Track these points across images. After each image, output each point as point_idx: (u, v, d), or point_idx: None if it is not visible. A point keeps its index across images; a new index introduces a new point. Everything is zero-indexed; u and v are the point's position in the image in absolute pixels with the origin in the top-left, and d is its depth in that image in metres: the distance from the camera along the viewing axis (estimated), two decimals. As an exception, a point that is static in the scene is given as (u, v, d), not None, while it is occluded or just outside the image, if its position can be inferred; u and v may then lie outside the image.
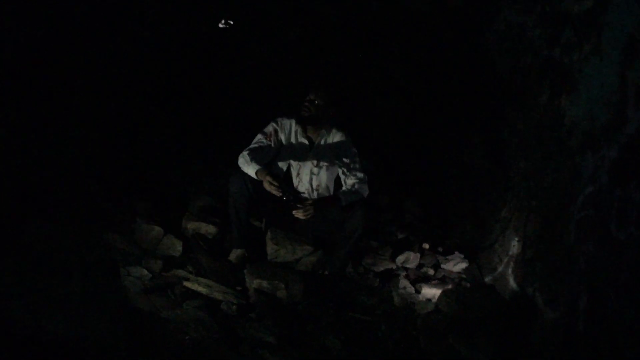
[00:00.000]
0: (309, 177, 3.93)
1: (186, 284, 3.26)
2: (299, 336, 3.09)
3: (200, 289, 3.24)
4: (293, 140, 3.92)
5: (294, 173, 3.97)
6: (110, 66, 4.43)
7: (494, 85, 4.42)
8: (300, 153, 3.92)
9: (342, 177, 3.95)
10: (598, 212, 3.03)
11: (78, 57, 4.10)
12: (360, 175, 3.87)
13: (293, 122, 3.92)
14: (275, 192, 3.48)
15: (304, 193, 3.97)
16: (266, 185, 3.49)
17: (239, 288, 3.46)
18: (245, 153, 3.66)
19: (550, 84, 3.70)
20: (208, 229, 3.89)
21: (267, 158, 3.79)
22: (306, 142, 3.94)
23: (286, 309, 3.36)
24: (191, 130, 5.27)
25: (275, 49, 6.27)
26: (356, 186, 3.82)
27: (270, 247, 3.87)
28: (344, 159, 3.91)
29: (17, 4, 3.47)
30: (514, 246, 3.83)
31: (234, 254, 3.73)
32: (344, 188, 3.90)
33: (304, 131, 3.93)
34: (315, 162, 3.91)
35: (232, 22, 6.87)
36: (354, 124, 5.79)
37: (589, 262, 3.04)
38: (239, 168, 3.65)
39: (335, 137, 3.94)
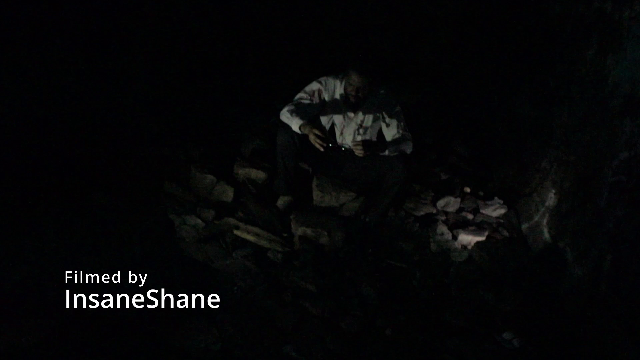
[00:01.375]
0: (352, 136, 4.05)
1: (236, 232, 3.57)
2: (337, 284, 3.38)
3: (249, 237, 3.54)
4: (337, 100, 3.96)
5: (337, 131, 4.09)
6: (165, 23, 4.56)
7: (545, 33, 4.37)
8: (345, 113, 4.00)
9: (387, 134, 4.01)
10: (630, 178, 3.12)
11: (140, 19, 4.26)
12: (404, 133, 3.95)
13: (338, 83, 3.90)
14: (319, 146, 3.59)
15: (343, 141, 4.11)
16: (311, 138, 3.60)
17: (285, 234, 3.74)
18: (286, 109, 3.78)
19: (598, 39, 3.67)
20: (258, 174, 4.14)
21: (309, 115, 3.84)
22: (352, 113, 3.99)
23: (328, 256, 3.63)
24: (243, 71, 5.40)
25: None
26: (401, 144, 3.90)
27: (316, 194, 4.11)
28: (388, 119, 3.96)
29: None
30: (551, 198, 3.94)
31: (282, 200, 3.99)
32: (390, 140, 3.97)
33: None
34: (359, 121, 3.99)
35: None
36: (403, 60, 5.85)
37: (616, 225, 3.17)
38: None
39: (380, 97, 3.95)
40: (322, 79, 3.94)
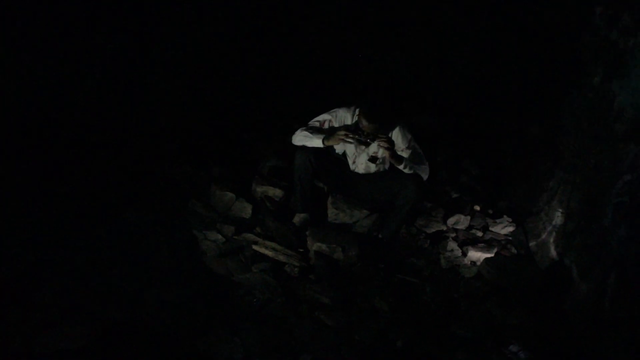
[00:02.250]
0: (364, 165, 4.19)
1: (255, 247, 3.74)
2: (351, 297, 3.54)
3: (267, 252, 3.72)
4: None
5: (349, 160, 4.22)
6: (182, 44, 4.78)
7: (556, 59, 4.53)
8: (356, 147, 4.09)
9: (404, 162, 4.02)
10: (633, 200, 3.27)
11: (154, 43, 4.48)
12: (420, 159, 4.05)
13: (348, 116, 4.03)
14: (351, 139, 3.78)
15: (364, 172, 4.24)
16: (341, 136, 3.78)
17: (301, 250, 3.92)
18: (301, 132, 3.96)
19: (604, 66, 3.82)
20: (275, 192, 4.32)
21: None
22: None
23: (342, 270, 3.80)
24: (261, 94, 5.61)
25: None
26: (419, 165, 4.02)
27: (331, 211, 4.29)
28: (405, 150, 4.03)
29: None
30: (558, 217, 4.08)
31: (298, 217, 4.16)
32: (405, 160, 4.01)
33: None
34: (371, 152, 4.09)
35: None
36: (416, 81, 6.03)
37: (620, 244, 3.31)
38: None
39: (393, 130, 4.01)
40: (333, 112, 4.06)
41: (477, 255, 4.19)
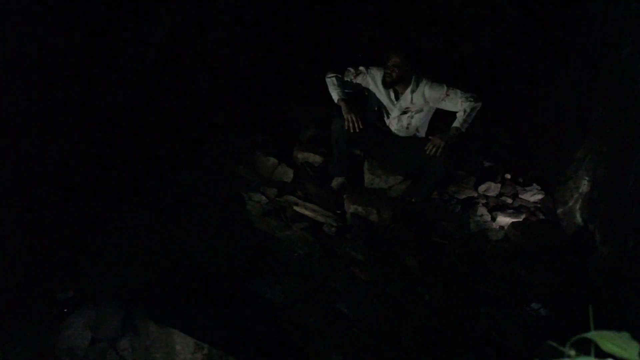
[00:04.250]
0: (397, 120, 4.41)
1: (295, 208, 4.05)
2: (384, 256, 3.82)
3: (306, 212, 4.02)
4: (380, 89, 4.32)
5: (384, 115, 4.46)
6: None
7: (588, 31, 4.66)
8: (387, 102, 4.35)
9: (454, 109, 4.21)
10: (655, 168, 3.44)
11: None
12: (468, 97, 4.16)
13: (378, 74, 4.26)
14: (347, 125, 4.09)
15: (398, 130, 4.49)
16: (345, 114, 4.11)
17: (338, 212, 4.20)
18: (333, 76, 4.21)
19: (633, 39, 3.96)
20: (315, 158, 4.61)
21: (349, 90, 4.27)
22: (392, 94, 4.33)
23: (376, 231, 4.08)
24: (302, 64, 5.85)
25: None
26: (467, 108, 4.12)
27: (367, 176, 4.56)
28: (445, 100, 4.20)
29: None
30: (584, 185, 4.26)
31: (336, 182, 4.44)
32: (458, 116, 4.18)
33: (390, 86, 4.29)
34: (403, 107, 4.33)
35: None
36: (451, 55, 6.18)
37: (639, 210, 3.49)
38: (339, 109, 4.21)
39: (422, 86, 4.23)
40: (368, 67, 4.34)
41: (505, 220, 4.40)
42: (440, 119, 4.51)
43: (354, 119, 4.07)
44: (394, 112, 4.39)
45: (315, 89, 5.64)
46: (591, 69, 4.50)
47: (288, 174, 4.43)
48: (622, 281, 3.52)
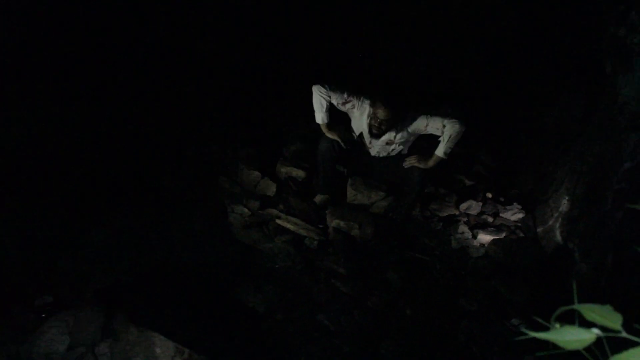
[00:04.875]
0: (379, 147, 4.37)
1: (278, 221, 4.05)
2: (365, 270, 3.82)
3: (289, 226, 4.01)
4: (365, 119, 4.19)
5: (366, 140, 4.39)
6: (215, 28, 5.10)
7: (568, 53, 4.76)
8: (369, 137, 4.28)
9: (438, 134, 4.15)
10: (631, 186, 3.50)
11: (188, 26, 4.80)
12: (444, 120, 4.07)
13: (367, 106, 4.10)
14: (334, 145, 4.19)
15: (379, 153, 4.45)
16: (332, 136, 4.20)
17: (320, 226, 4.21)
18: (322, 95, 4.10)
19: (612, 61, 4.05)
20: (298, 173, 4.62)
21: (333, 112, 4.22)
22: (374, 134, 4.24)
23: (358, 246, 4.08)
24: (285, 81, 5.90)
25: None
26: (450, 133, 4.07)
27: (349, 192, 4.57)
28: (429, 128, 4.13)
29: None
30: (564, 204, 4.31)
31: (319, 197, 4.45)
32: (441, 141, 4.15)
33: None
34: (387, 139, 4.28)
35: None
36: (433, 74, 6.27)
37: (617, 226, 3.54)
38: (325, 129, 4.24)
39: (404, 124, 4.16)
40: (358, 97, 4.15)
41: (486, 238, 4.43)
42: (424, 139, 4.52)
43: (338, 140, 4.15)
44: (377, 144, 4.36)
45: (300, 104, 5.71)
46: (572, 90, 4.59)
47: (271, 188, 4.44)
48: (601, 297, 3.55)
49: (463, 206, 4.80)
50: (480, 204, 4.82)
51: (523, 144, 5.48)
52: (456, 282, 3.94)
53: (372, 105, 4.02)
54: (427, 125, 4.12)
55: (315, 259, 3.80)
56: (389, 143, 4.32)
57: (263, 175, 4.46)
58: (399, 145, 4.36)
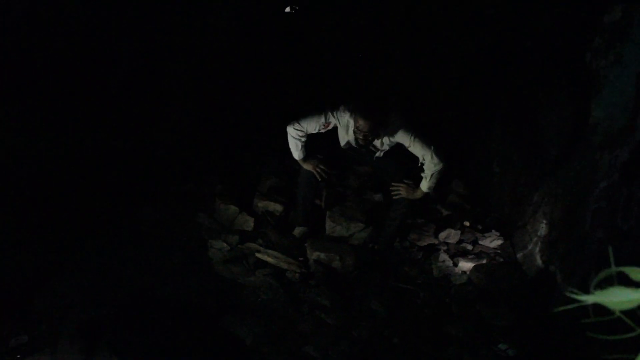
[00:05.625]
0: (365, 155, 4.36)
1: (258, 255, 3.97)
2: (349, 301, 3.76)
3: (269, 259, 3.94)
4: (349, 132, 4.15)
5: (352, 147, 4.29)
6: (186, 63, 5.09)
7: (537, 78, 4.86)
8: (356, 144, 4.23)
9: (414, 153, 4.15)
10: (609, 204, 3.53)
11: (164, 60, 4.78)
12: (424, 154, 4.09)
13: (346, 116, 4.04)
14: (318, 175, 4.20)
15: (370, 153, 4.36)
16: (313, 167, 4.20)
17: (301, 259, 4.14)
18: (295, 133, 4.10)
19: (581, 85, 4.14)
20: (275, 207, 4.58)
21: (311, 143, 4.22)
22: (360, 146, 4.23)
23: (340, 277, 4.02)
24: (259, 117, 5.91)
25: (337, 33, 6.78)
26: (432, 170, 4.12)
27: (328, 224, 4.53)
28: (411, 145, 4.11)
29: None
30: (542, 228, 4.33)
31: (298, 230, 4.40)
32: (424, 178, 4.19)
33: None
34: (373, 148, 4.27)
35: (297, 8, 7.44)
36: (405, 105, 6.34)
37: (598, 247, 3.56)
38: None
39: (393, 128, 4.09)
40: (335, 113, 4.09)
41: (467, 265, 4.41)
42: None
43: (321, 169, 4.19)
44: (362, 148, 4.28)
45: (275, 140, 5.71)
46: (544, 115, 4.67)
47: (248, 223, 4.37)
48: (587, 317, 3.53)
49: (442, 235, 4.79)
50: (459, 232, 4.83)
51: (495, 172, 5.53)
52: (441, 310, 3.89)
53: (352, 118, 3.98)
54: (409, 146, 4.13)
55: (298, 291, 3.73)
56: (375, 151, 4.29)
57: (240, 210, 4.41)
58: (381, 153, 4.32)
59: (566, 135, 4.23)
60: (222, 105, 5.60)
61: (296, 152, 4.20)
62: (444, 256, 4.51)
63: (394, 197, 4.25)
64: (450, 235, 4.79)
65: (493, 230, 4.87)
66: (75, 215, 3.66)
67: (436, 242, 4.75)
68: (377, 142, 4.20)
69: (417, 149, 4.11)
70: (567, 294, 0.87)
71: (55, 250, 3.33)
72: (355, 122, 3.92)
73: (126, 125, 4.42)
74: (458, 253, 4.63)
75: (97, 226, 3.70)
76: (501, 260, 4.56)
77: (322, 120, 4.08)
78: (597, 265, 3.52)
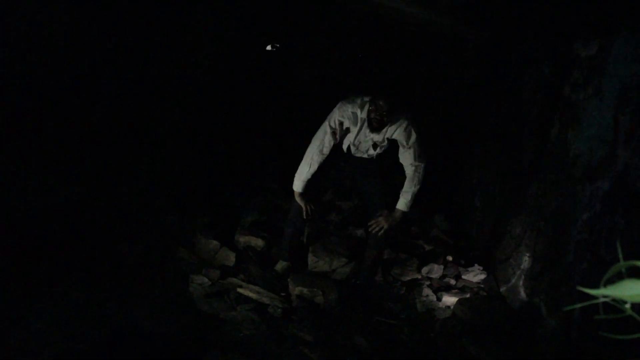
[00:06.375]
0: (366, 149, 4.26)
1: (239, 290, 3.90)
2: (332, 336, 3.68)
3: (251, 294, 3.87)
4: (359, 129, 4.11)
5: (355, 148, 4.26)
6: (169, 98, 5.08)
7: (517, 115, 4.92)
8: (364, 132, 4.14)
9: (401, 158, 4.17)
10: (591, 235, 3.53)
11: (146, 95, 4.76)
12: (417, 164, 4.12)
13: (358, 109, 4.03)
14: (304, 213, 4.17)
15: (357, 154, 4.32)
16: (302, 205, 4.16)
17: (283, 294, 4.07)
18: (314, 158, 4.06)
19: (560, 118, 4.20)
20: (257, 242, 4.52)
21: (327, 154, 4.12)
22: (371, 134, 4.13)
23: (323, 312, 3.95)
24: (241, 153, 5.90)
25: (317, 69, 6.86)
26: (412, 191, 4.13)
27: (311, 259, 4.48)
28: (406, 147, 4.11)
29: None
30: (526, 261, 4.32)
31: (281, 265, 4.34)
32: (403, 191, 4.17)
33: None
34: (376, 140, 4.18)
35: (278, 45, 7.54)
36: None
37: (582, 278, 3.55)
38: (294, 194, 4.18)
39: (400, 123, 4.06)
40: (343, 109, 4.08)
41: (451, 300, 4.37)
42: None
43: (311, 209, 4.16)
44: (367, 143, 4.24)
45: (256, 178, 5.69)
46: (521, 150, 4.71)
47: (230, 258, 4.30)
48: (572, 352, 3.50)
49: (425, 270, 4.76)
50: (442, 267, 4.80)
51: (477, 206, 5.54)
52: (426, 345, 3.83)
53: (373, 99, 3.93)
54: (406, 146, 4.11)
55: (281, 327, 3.64)
56: (376, 145, 4.23)
57: (221, 244, 4.34)
58: (380, 149, 4.28)
59: (547, 168, 4.27)
60: (206, 140, 5.58)
61: (299, 181, 4.10)
62: (427, 291, 4.48)
63: (370, 232, 4.23)
64: (433, 270, 4.76)
65: (476, 265, 4.86)
66: (54, 249, 3.56)
67: (419, 277, 4.72)
68: (379, 136, 4.13)
69: (410, 154, 4.12)
70: (578, 289, 0.85)
71: (32, 285, 3.22)
72: (373, 104, 3.91)
73: (108, 158, 4.37)
74: (441, 288, 4.59)
75: (77, 260, 3.60)
76: (485, 294, 4.53)
77: (333, 123, 4.08)
78: (582, 296, 3.49)
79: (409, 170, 4.15)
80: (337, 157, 4.32)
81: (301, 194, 4.15)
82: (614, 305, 0.83)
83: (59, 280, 3.32)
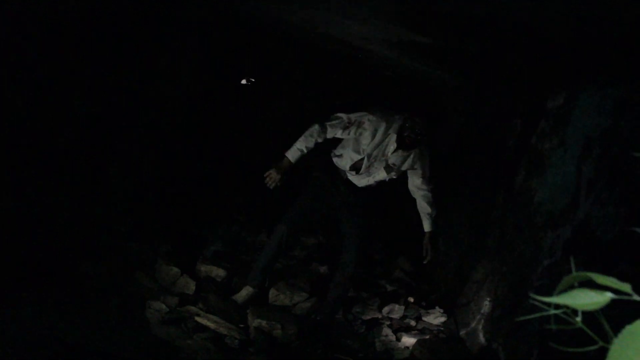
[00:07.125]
0: (378, 170, 4.16)
1: (197, 319, 3.81)
2: (290, 371, 3.62)
3: (208, 323, 3.78)
4: (379, 143, 4.01)
5: (364, 165, 4.13)
6: (141, 125, 5.06)
7: (488, 162, 5.01)
8: (380, 157, 4.08)
9: (411, 179, 4.26)
10: (552, 282, 3.57)
11: (114, 123, 4.73)
12: (426, 193, 4.29)
13: (383, 127, 3.96)
14: (269, 181, 3.92)
15: (359, 180, 4.24)
16: (276, 170, 3.92)
17: (242, 325, 3.99)
18: (317, 128, 3.94)
19: (526, 166, 4.28)
20: (219, 272, 4.45)
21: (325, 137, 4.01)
22: (392, 153, 4.05)
23: (281, 346, 3.88)
24: (207, 182, 5.87)
25: (292, 103, 6.91)
26: (425, 207, 4.35)
27: (271, 292, 4.43)
28: (419, 173, 4.19)
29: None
30: (486, 305, 4.34)
31: (245, 291, 4.23)
32: (425, 214, 4.39)
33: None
34: (391, 161, 4.11)
35: (253, 80, 7.59)
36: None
37: (541, 324, 3.56)
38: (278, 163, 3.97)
39: (417, 155, 4.12)
40: (370, 117, 3.98)
41: (410, 341, 4.35)
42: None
43: (277, 179, 3.92)
44: (381, 162, 4.14)
45: (222, 208, 5.65)
46: (486, 196, 4.78)
47: (190, 286, 4.23)
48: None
49: (386, 310, 4.75)
50: (403, 307, 4.79)
51: (441, 250, 5.57)
52: (384, 385, 3.78)
53: (410, 116, 3.91)
54: (421, 171, 4.20)
55: (237, 358, 3.57)
56: (390, 167, 4.14)
57: (182, 272, 4.26)
58: (397, 169, 4.17)
59: (511, 214, 4.33)
60: (175, 168, 5.54)
61: (300, 147, 3.93)
62: (387, 330, 4.45)
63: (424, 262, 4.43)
64: (394, 310, 4.74)
65: (437, 307, 4.86)
66: (9, 267, 3.46)
67: (380, 316, 4.69)
68: (398, 158, 4.09)
69: (427, 179, 4.26)
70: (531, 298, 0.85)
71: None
72: (411, 121, 3.87)
73: (75, 178, 4.31)
74: (401, 328, 4.57)
75: (33, 276, 3.49)
76: (444, 336, 4.52)
77: (346, 119, 4.01)
78: (540, 342, 3.51)
79: (425, 194, 4.31)
80: (331, 182, 4.28)
81: (290, 161, 3.95)
82: (565, 319, 0.84)
83: (15, 299, 3.21)
